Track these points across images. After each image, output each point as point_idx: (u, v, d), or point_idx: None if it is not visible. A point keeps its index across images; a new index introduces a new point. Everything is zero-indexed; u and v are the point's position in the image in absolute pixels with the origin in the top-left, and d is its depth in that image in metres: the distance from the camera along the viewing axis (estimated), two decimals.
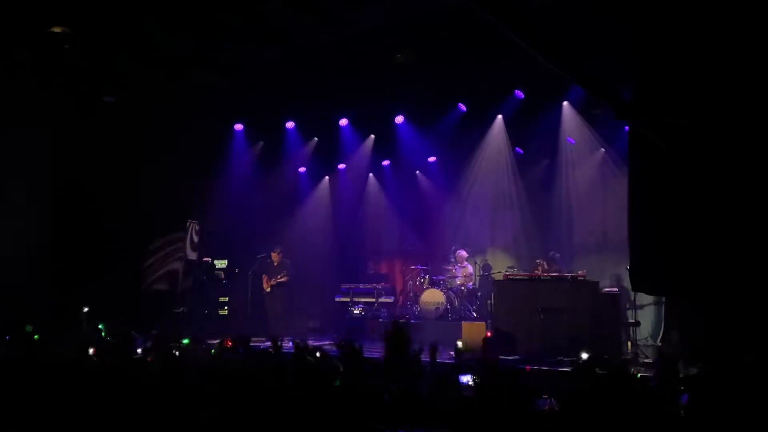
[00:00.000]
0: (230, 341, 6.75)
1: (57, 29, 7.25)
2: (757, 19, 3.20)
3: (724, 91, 3.51)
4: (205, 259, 13.16)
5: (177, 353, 5.66)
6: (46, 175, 9.96)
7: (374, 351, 6.07)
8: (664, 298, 9.92)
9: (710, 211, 4.13)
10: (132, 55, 8.76)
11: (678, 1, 2.70)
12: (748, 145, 3.53)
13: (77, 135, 9.98)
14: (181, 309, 12.23)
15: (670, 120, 3.81)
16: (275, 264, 12.08)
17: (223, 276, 13.19)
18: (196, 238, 12.97)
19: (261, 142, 13.71)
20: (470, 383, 4.54)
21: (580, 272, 9.83)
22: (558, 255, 11.29)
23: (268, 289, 11.96)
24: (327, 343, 9.52)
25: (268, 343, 8.98)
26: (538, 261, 10.53)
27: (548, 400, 3.41)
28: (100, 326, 8.15)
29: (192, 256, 12.85)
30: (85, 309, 8.23)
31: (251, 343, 7.01)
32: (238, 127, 13.24)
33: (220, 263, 13.29)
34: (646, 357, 8.75)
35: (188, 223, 12.72)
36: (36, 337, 6.74)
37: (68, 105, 9.77)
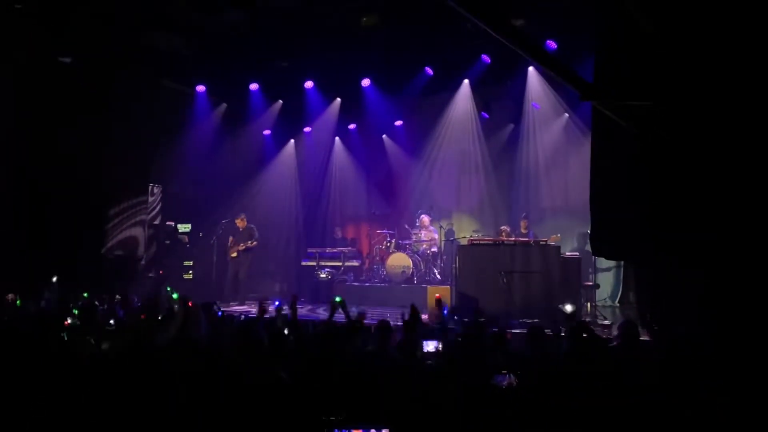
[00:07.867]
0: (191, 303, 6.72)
1: None
2: (717, 8, 3.29)
3: (683, 74, 3.61)
4: (168, 222, 13.00)
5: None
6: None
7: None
8: (622, 262, 10.23)
9: (666, 183, 4.30)
10: (89, 15, 8.43)
11: None
12: (705, 124, 3.66)
13: (33, 97, 9.63)
14: (152, 274, 12.14)
15: (632, 102, 3.90)
16: (240, 230, 12.02)
17: (186, 240, 13.06)
18: (158, 202, 12.78)
19: (224, 105, 13.44)
20: (436, 350, 4.68)
21: (553, 237, 10.03)
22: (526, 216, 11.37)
23: (234, 255, 11.90)
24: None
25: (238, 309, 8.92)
26: (502, 228, 10.68)
27: (507, 376, 3.51)
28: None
29: (154, 220, 12.68)
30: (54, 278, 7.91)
31: (221, 309, 7.02)
32: (200, 88, 12.93)
33: (184, 227, 13.13)
34: (605, 318, 9.05)
35: (150, 187, 12.51)
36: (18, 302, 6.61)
37: (24, 66, 9.40)
